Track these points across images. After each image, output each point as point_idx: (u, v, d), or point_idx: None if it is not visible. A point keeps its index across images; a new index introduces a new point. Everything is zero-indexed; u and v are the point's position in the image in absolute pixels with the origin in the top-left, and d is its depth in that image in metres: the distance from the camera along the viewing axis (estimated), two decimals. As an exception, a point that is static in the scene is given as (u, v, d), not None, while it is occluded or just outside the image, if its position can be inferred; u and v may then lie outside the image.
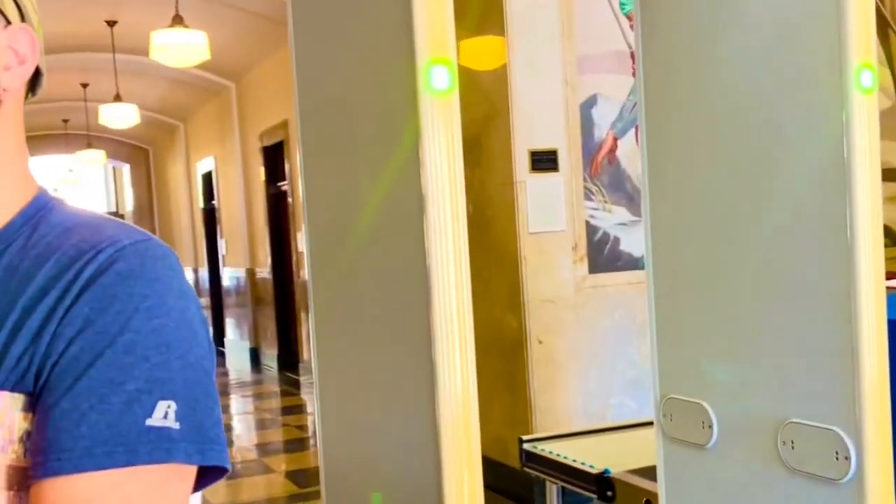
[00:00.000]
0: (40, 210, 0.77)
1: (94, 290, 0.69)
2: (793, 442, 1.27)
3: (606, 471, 2.10)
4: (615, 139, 3.82)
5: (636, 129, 3.73)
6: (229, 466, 0.74)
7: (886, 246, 1.20)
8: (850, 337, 1.19)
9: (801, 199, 1.24)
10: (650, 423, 1.61)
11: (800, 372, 1.27)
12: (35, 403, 0.68)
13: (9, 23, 0.76)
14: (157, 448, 0.67)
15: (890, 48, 4.56)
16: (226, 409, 7.57)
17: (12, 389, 0.68)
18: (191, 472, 0.70)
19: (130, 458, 0.66)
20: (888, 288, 1.21)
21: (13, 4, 0.77)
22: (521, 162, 3.66)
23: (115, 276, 0.70)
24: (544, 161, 3.69)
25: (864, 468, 1.19)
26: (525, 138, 3.67)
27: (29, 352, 0.68)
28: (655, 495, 1.60)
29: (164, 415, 0.68)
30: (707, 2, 1.38)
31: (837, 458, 1.21)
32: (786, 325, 1.29)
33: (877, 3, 4.57)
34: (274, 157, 8.39)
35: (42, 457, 0.66)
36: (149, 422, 0.67)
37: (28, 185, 0.79)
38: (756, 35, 1.29)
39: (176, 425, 0.68)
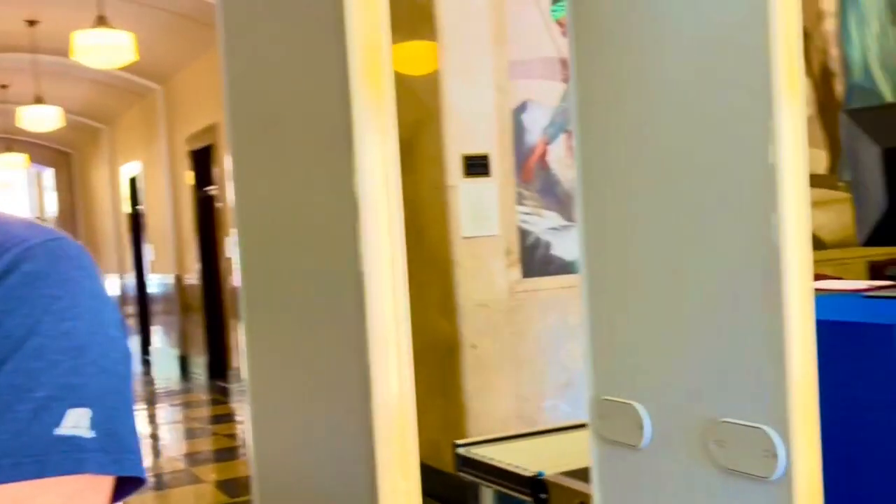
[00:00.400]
0: None
1: None
2: (724, 441, 1.29)
3: (540, 473, 2.11)
4: (546, 144, 3.85)
5: (567, 134, 3.77)
6: (146, 477, 0.71)
7: (813, 249, 1.22)
8: (779, 338, 1.21)
9: (731, 204, 1.27)
10: (584, 426, 1.62)
11: (730, 372, 1.29)
12: None
13: None
14: (69, 458, 0.63)
15: (809, 56, 4.70)
16: (153, 418, 7.41)
17: None
18: (106, 483, 0.66)
19: (39, 469, 0.62)
20: (815, 289, 1.23)
21: None
22: (454, 166, 3.66)
23: (22, 277, 0.66)
24: (477, 166, 3.70)
25: (793, 466, 1.21)
26: (457, 143, 3.67)
27: None
28: (589, 497, 1.61)
29: (75, 423, 0.64)
30: (639, 9, 1.40)
31: (767, 457, 1.23)
32: (717, 327, 1.31)
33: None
34: (202, 161, 8.26)
35: None
36: (59, 431, 0.63)
37: None
38: (686, 43, 1.32)
39: (89, 434, 0.64)
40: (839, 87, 4.76)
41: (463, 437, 3.30)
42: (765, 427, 1.24)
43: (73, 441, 0.63)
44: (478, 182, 3.70)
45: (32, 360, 0.64)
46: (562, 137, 3.85)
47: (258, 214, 1.46)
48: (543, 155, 3.85)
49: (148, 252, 10.36)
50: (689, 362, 1.36)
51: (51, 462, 0.63)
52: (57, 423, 0.63)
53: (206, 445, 6.26)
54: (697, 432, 1.35)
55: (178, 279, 9.28)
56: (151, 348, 10.65)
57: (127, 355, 0.71)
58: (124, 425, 0.68)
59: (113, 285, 12.05)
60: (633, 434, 1.47)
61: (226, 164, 1.57)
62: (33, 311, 0.65)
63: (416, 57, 3.80)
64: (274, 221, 1.41)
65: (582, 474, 1.84)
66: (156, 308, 10.41)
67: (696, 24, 1.30)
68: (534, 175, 3.83)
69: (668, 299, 1.39)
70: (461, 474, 2.40)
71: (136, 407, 0.72)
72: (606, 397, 1.52)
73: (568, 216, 3.82)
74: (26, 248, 0.67)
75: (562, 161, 3.83)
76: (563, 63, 3.73)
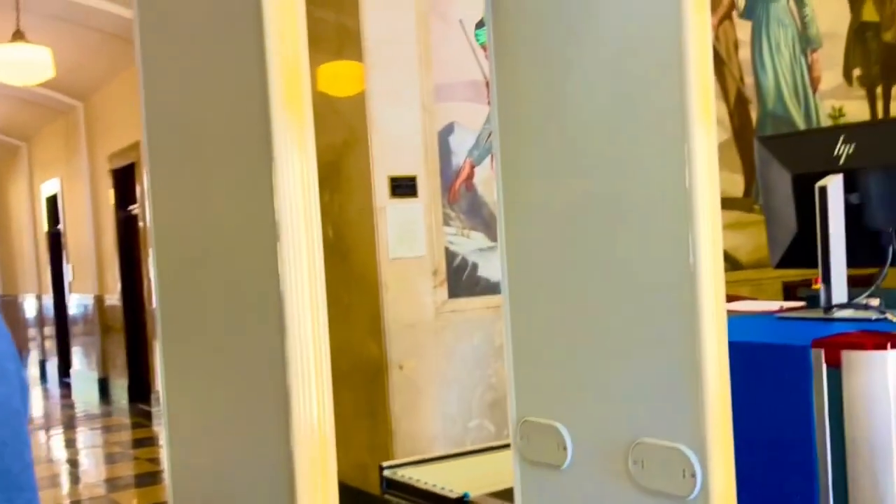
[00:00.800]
0: None
1: None
2: (643, 461, 1.31)
3: (465, 495, 2.11)
4: (472, 166, 3.88)
5: (492, 156, 3.81)
6: None
7: (726, 270, 1.26)
8: (694, 358, 1.24)
9: (648, 226, 1.29)
10: (508, 446, 1.63)
11: (649, 393, 1.31)
12: None
13: None
14: None
15: (724, 83, 4.84)
16: (72, 442, 7.20)
17: None
18: None
19: None
20: (730, 311, 1.27)
21: None
22: (381, 188, 3.66)
23: None
24: (404, 187, 3.71)
25: (709, 485, 1.23)
26: (384, 164, 3.67)
27: None
28: (513, 518, 1.62)
29: None
30: (557, 35, 1.43)
31: (684, 476, 1.25)
32: (635, 348, 1.33)
33: (713, 41, 4.83)
34: (124, 180, 8.09)
35: None
36: None
37: None
38: (604, 69, 1.34)
39: None
40: (754, 114, 4.91)
41: (390, 458, 3.28)
42: (682, 447, 1.26)
43: None
44: (405, 203, 3.71)
45: None
46: (487, 159, 3.89)
47: (176, 234, 1.44)
48: (470, 177, 3.87)
49: (67, 272, 10.08)
50: (608, 383, 1.38)
51: None
52: None
53: (126, 470, 6.10)
54: (617, 452, 1.36)
55: (99, 300, 9.05)
56: (71, 371, 10.34)
57: (22, 388, 0.68)
58: (18, 460, 0.66)
59: (31, 306, 11.69)
60: (556, 454, 1.48)
61: (146, 183, 1.54)
62: None
63: (343, 78, 3.79)
64: (192, 241, 1.39)
65: (507, 495, 1.85)
66: (75, 330, 10.13)
67: (614, 52, 1.33)
68: (460, 196, 3.85)
69: (587, 320, 1.41)
70: (387, 496, 2.39)
71: (31, 441, 0.69)
72: (529, 418, 1.53)
73: (493, 237, 3.85)
74: None
75: (487, 183, 3.86)
76: (489, 86, 3.77)
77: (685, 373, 1.25)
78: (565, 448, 1.46)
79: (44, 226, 10.71)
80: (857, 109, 5.29)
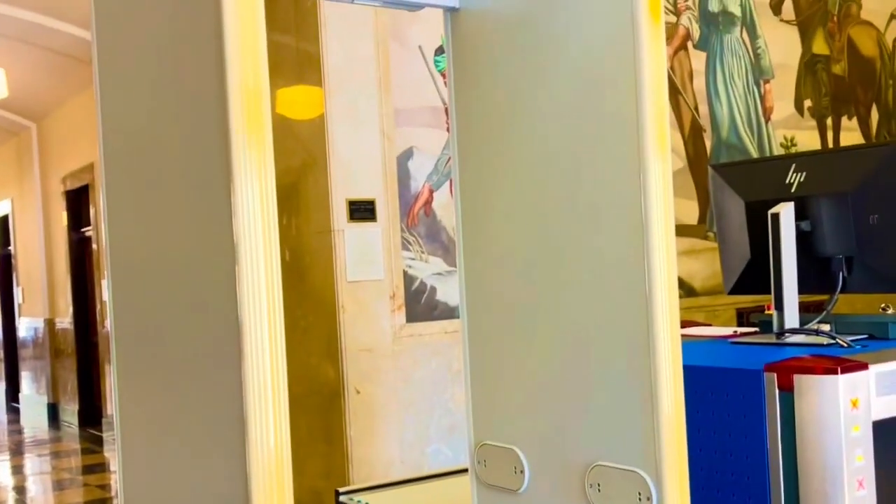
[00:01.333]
0: None
1: None
2: (599, 485, 1.32)
3: (422, 520, 2.09)
4: (431, 191, 3.89)
5: (450, 182, 3.83)
6: None
7: (680, 297, 1.28)
8: (649, 382, 1.25)
9: (603, 254, 1.31)
10: (465, 471, 1.62)
11: (604, 417, 1.32)
12: None
13: None
14: None
15: (679, 112, 4.92)
16: (19, 469, 7.03)
17: None
18: None
19: None
20: (685, 336, 1.28)
21: None
22: (339, 211, 3.66)
23: None
24: (362, 210, 3.70)
25: (664, 508, 1.25)
26: (343, 188, 3.67)
27: None
28: (470, 543, 1.61)
29: None
30: (515, 64, 1.44)
31: (640, 499, 1.26)
32: (591, 372, 1.34)
33: (668, 71, 4.92)
34: (78, 202, 7.97)
35: None
36: None
37: None
38: (562, 99, 1.36)
39: None
40: (709, 143, 5.00)
41: (346, 484, 3.26)
42: (638, 470, 1.27)
43: None
44: (363, 227, 3.70)
45: None
46: (446, 184, 3.90)
47: (132, 256, 1.42)
48: (429, 201, 3.89)
49: (17, 295, 9.88)
50: (565, 407, 1.39)
51: None
52: None
53: (76, 497, 5.96)
54: (575, 476, 1.37)
55: (50, 323, 8.88)
56: (20, 395, 10.12)
57: None
58: None
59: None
60: (513, 478, 1.48)
61: (101, 205, 1.52)
62: None
63: (302, 102, 3.79)
64: (148, 264, 1.38)
65: (463, 520, 1.84)
66: (25, 353, 9.92)
67: (571, 84, 1.35)
68: (419, 221, 3.85)
69: (544, 346, 1.42)
70: (342, 523, 2.36)
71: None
72: (487, 442, 1.54)
73: (452, 262, 3.86)
74: None
75: (446, 207, 3.88)
76: (447, 112, 3.80)
77: (640, 397, 1.26)
78: (522, 471, 1.47)
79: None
80: (808, 139, 5.41)
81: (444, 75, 3.90)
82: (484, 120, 1.51)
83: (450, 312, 3.84)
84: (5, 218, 10.08)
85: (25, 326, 9.79)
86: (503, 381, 1.51)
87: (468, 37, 1.54)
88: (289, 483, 1.09)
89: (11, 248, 9.92)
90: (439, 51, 3.90)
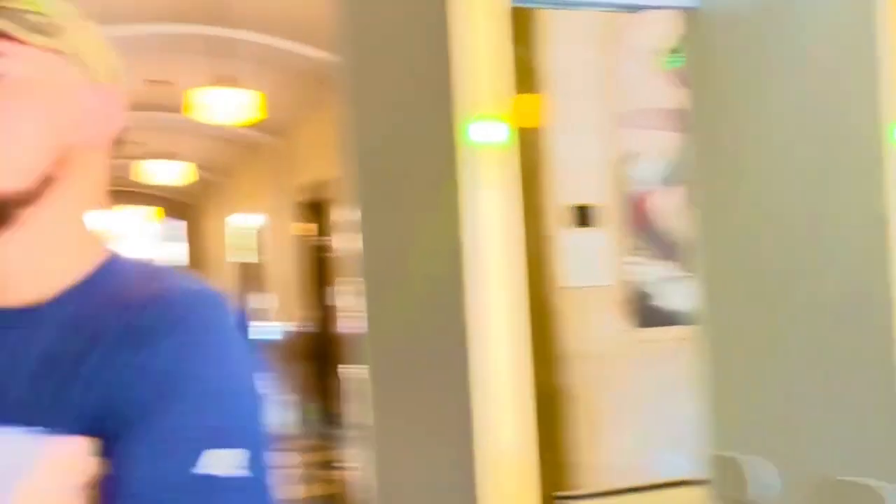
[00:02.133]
0: (101, 275, 0.78)
1: (157, 341, 0.70)
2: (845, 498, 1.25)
3: (647, 529, 2.05)
4: (656, 195, 3.82)
5: (678, 184, 3.72)
6: None
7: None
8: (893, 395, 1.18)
9: (851, 259, 1.25)
10: (696, 482, 1.58)
11: (848, 431, 1.26)
12: (109, 448, 0.69)
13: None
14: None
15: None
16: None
17: (85, 434, 0.68)
18: None
19: None
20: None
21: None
22: (562, 216, 3.66)
23: (168, 343, 0.70)
24: (586, 216, 3.69)
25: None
26: (566, 193, 3.68)
27: (99, 399, 0.69)
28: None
29: (234, 464, 0.69)
30: (754, 61, 1.40)
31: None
32: (837, 380, 1.28)
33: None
34: (316, 214, 8.50)
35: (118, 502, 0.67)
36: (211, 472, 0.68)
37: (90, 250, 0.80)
38: (801, 96, 1.31)
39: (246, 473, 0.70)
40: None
41: (566, 489, 3.25)
42: (882, 483, 1.19)
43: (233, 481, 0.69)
44: (586, 232, 3.69)
45: (193, 404, 0.69)
46: (672, 188, 3.81)
47: (382, 264, 1.50)
48: (654, 205, 3.81)
49: (266, 301, 10.65)
50: (815, 418, 1.33)
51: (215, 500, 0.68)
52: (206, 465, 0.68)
53: (316, 490, 6.33)
54: (821, 489, 1.31)
55: (296, 327, 9.49)
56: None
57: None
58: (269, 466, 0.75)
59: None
60: (755, 490, 1.43)
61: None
62: (194, 356, 0.71)
63: (525, 110, 3.84)
64: (396, 269, 1.45)
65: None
66: (273, 356, 10.63)
67: (812, 79, 1.30)
68: (644, 225, 3.79)
69: (793, 356, 1.37)
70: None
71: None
72: (726, 453, 1.49)
73: (679, 266, 3.76)
74: (168, 306, 0.72)
75: (673, 211, 3.79)
76: (672, 114, 3.70)
77: (886, 411, 1.19)
78: (766, 484, 1.41)
79: (238, 257, 11.42)
80: None
81: (672, 75, 3.81)
82: (722, 119, 1.48)
83: (677, 318, 3.73)
84: (256, 229, 10.91)
85: (275, 330, 10.53)
86: (747, 390, 1.46)
87: (707, 36, 1.52)
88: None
89: (261, 256, 10.70)
90: (666, 51, 3.82)
